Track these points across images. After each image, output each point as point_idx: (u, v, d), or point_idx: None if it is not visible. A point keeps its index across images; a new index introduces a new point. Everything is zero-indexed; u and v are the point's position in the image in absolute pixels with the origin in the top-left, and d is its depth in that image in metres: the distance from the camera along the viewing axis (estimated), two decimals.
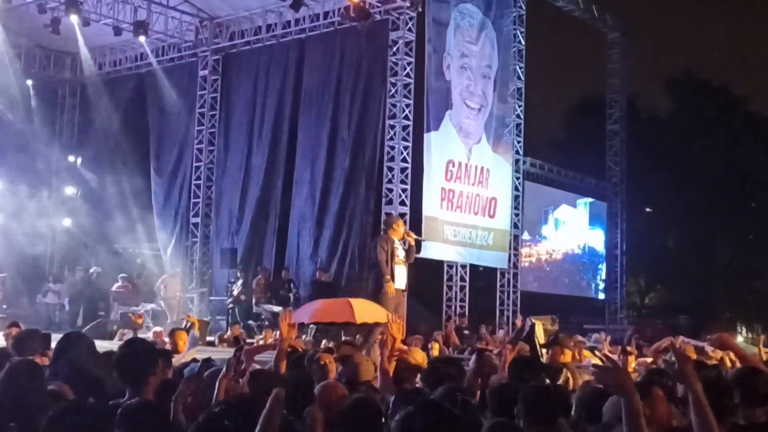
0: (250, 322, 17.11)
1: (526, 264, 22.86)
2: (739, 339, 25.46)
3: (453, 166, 17.84)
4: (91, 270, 19.94)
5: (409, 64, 17.25)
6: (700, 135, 31.56)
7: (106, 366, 4.88)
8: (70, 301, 19.17)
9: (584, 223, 25.04)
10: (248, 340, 13.94)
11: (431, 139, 17.19)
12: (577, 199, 24.81)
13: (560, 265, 24.64)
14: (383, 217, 16.87)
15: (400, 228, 11.45)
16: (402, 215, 16.75)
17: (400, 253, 11.26)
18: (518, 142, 19.99)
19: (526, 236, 22.52)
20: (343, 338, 11.49)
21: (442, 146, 17.60)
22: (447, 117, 17.72)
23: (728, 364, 9.08)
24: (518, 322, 16.68)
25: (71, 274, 20.35)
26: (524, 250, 22.39)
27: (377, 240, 11.33)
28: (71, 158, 22.42)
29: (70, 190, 22.12)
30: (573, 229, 24.64)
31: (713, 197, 30.54)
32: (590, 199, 25.06)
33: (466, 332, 16.89)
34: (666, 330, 18.34)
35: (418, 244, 12.60)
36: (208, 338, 14.41)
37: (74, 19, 17.80)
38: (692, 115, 32.10)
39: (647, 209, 31.22)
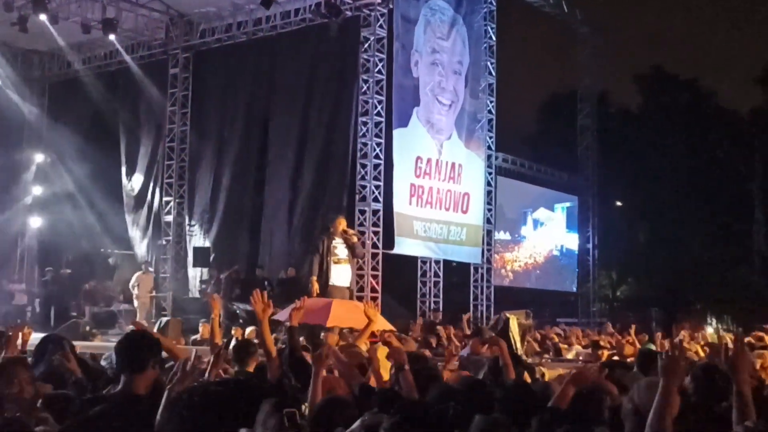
0: (226, 320, 17.02)
1: (519, 269, 23.53)
2: (709, 330, 25.77)
3: (422, 162, 17.82)
4: (62, 270, 19.76)
5: (381, 60, 17.23)
6: (669, 129, 31.88)
7: (86, 367, 4.88)
8: (41, 302, 18.99)
9: (562, 226, 25.32)
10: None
11: (398, 136, 17.14)
12: (555, 203, 25.12)
13: (540, 265, 24.94)
14: (357, 213, 16.94)
15: (338, 226, 11.70)
16: (375, 212, 16.82)
17: (340, 252, 11.53)
18: (490, 137, 20.06)
19: (506, 236, 22.87)
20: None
21: (411, 143, 17.58)
22: (415, 114, 17.69)
23: (702, 355, 9.24)
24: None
25: (42, 274, 20.15)
26: (507, 255, 22.92)
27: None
28: (40, 157, 22.17)
29: (39, 190, 21.88)
30: (551, 231, 24.93)
31: (683, 190, 30.87)
32: (568, 204, 25.34)
33: (438, 327, 16.89)
34: (637, 322, 18.49)
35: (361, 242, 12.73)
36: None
37: (42, 17, 17.60)
38: (662, 109, 32.42)
39: (618, 203, 31.50)
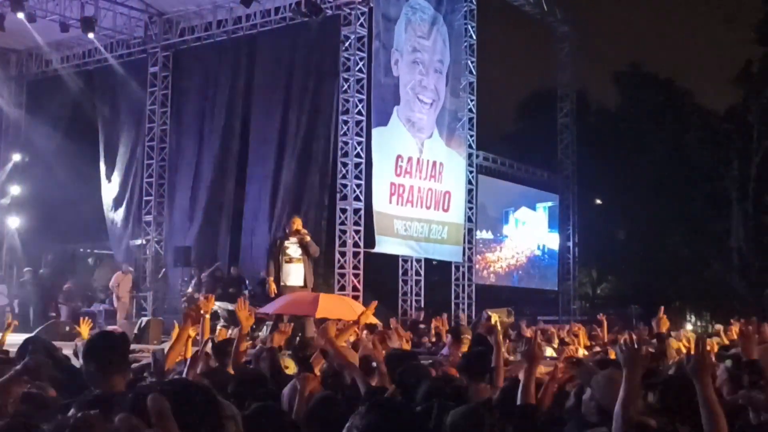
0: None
1: (500, 270, 23.63)
2: (689, 327, 25.98)
3: (402, 161, 17.81)
4: (41, 271, 19.62)
5: (361, 59, 17.22)
6: (647, 127, 32.07)
7: (67, 369, 4.85)
8: (19, 303, 18.84)
9: (543, 225, 25.42)
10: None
11: (378, 135, 17.11)
12: (537, 202, 25.22)
13: (522, 265, 25.04)
14: (338, 212, 16.94)
15: (293, 226, 12.06)
16: (356, 210, 16.82)
17: (293, 251, 11.91)
18: (471, 136, 20.12)
19: (489, 235, 22.92)
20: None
21: (391, 141, 17.55)
22: (395, 112, 17.66)
23: (684, 351, 9.29)
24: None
25: (20, 274, 19.99)
26: (490, 255, 22.99)
27: None
28: (18, 157, 21.99)
29: (17, 190, 21.69)
30: (532, 231, 25.03)
31: (661, 188, 31.07)
32: (550, 203, 25.43)
33: (422, 326, 16.94)
34: (617, 319, 18.60)
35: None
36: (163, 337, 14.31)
37: (20, 15, 17.45)
38: (640, 107, 32.61)
39: (597, 201, 31.67)
